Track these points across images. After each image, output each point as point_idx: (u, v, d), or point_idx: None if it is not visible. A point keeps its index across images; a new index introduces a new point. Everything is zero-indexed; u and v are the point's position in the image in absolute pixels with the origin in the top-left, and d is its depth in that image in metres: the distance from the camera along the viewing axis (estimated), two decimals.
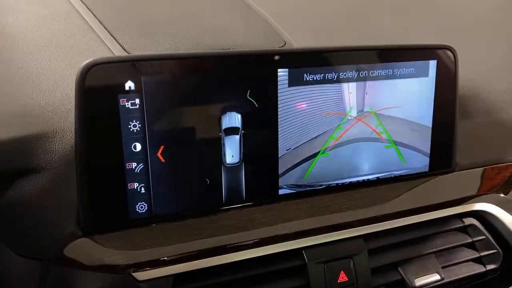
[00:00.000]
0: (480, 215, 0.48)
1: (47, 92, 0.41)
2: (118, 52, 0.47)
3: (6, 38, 0.47)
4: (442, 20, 0.71)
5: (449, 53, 0.46)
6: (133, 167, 0.36)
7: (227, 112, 0.39)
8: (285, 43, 0.54)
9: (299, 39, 0.55)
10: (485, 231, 0.48)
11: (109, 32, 0.50)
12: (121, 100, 0.35)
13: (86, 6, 0.54)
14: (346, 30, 0.63)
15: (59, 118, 0.38)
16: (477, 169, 0.50)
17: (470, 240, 0.48)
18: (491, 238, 0.48)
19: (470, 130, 0.52)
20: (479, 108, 0.54)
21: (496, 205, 0.48)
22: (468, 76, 0.54)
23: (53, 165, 0.36)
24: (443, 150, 0.48)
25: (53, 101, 0.40)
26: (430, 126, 0.47)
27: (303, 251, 0.40)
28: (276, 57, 0.39)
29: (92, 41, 0.48)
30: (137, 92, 0.35)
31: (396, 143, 0.46)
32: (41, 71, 0.43)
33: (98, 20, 0.52)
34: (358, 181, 0.45)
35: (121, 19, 0.53)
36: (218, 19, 0.58)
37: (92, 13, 0.53)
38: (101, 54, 0.46)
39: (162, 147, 0.37)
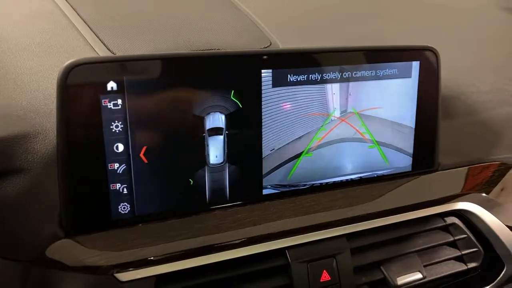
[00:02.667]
0: (462, 214, 0.49)
1: (29, 92, 0.40)
2: (102, 52, 0.47)
3: None
4: (425, 20, 0.72)
5: (432, 54, 0.47)
6: (115, 168, 0.36)
7: (211, 113, 0.39)
8: (270, 43, 0.54)
9: (285, 39, 0.55)
10: (466, 230, 0.49)
11: (93, 32, 0.50)
12: (103, 100, 0.35)
13: (71, 6, 0.54)
14: (332, 31, 0.63)
15: (41, 118, 0.38)
16: (459, 168, 0.51)
17: (451, 239, 0.48)
18: (472, 237, 0.49)
19: (452, 130, 0.53)
20: (462, 108, 0.55)
21: (478, 204, 0.49)
22: (451, 76, 0.55)
23: (34, 166, 0.36)
24: (425, 150, 0.48)
25: (36, 101, 0.39)
26: (413, 126, 0.47)
27: (286, 251, 0.41)
28: (260, 58, 0.39)
29: (76, 41, 0.48)
30: (120, 92, 0.35)
31: (379, 143, 0.46)
32: (23, 70, 0.42)
33: (83, 20, 0.52)
34: (341, 180, 0.45)
35: (105, 19, 0.52)
36: (203, 19, 0.57)
37: (77, 13, 0.53)
38: (85, 54, 0.46)
39: (144, 147, 0.37)
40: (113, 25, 0.52)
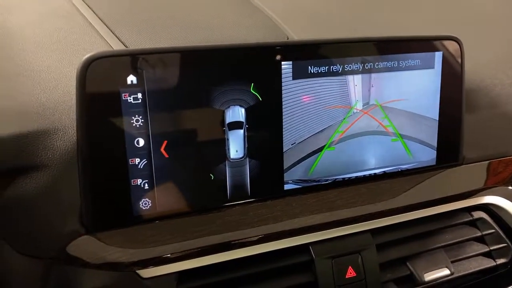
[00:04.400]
0: (489, 209, 0.48)
1: (48, 89, 0.40)
2: (118, 48, 0.46)
3: (6, 36, 0.47)
4: (447, 11, 0.70)
5: (455, 44, 0.46)
6: (136, 163, 0.36)
7: (231, 106, 0.38)
8: (287, 39, 0.53)
9: (302, 34, 0.54)
10: (494, 225, 0.48)
11: (109, 29, 0.50)
12: (123, 94, 0.34)
13: (87, 4, 0.54)
14: (350, 25, 0.62)
15: (60, 114, 0.38)
16: (484, 162, 0.50)
17: (479, 234, 0.47)
18: (500, 232, 0.48)
19: (476, 123, 0.51)
20: (486, 101, 0.54)
21: (505, 198, 0.48)
22: (473, 68, 0.54)
23: (54, 162, 0.36)
24: (450, 143, 0.47)
25: (54, 98, 0.39)
26: (437, 119, 0.46)
27: (310, 247, 0.40)
28: (280, 50, 0.39)
29: (93, 38, 0.48)
30: (139, 86, 0.35)
31: (402, 136, 0.45)
32: (41, 68, 0.42)
33: (98, 17, 0.51)
34: (364, 175, 0.44)
35: (121, 16, 0.52)
36: (219, 15, 0.57)
37: (92, 10, 0.52)
38: (101, 50, 0.46)
39: (165, 142, 0.36)
40: (129, 22, 0.51)
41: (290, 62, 0.39)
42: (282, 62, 0.39)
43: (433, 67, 0.45)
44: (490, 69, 0.58)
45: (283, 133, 0.40)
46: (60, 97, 0.39)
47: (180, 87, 0.36)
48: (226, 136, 0.38)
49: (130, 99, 0.34)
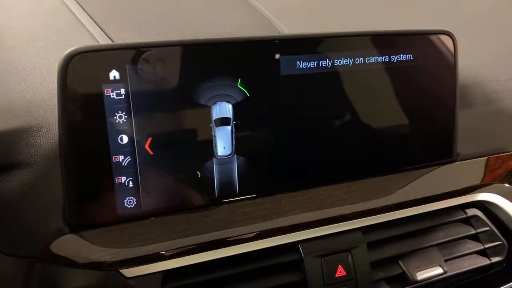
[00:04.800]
0: (484, 206, 0.47)
1: (34, 86, 0.39)
2: None
3: None
4: (441, 6, 0.70)
5: (448, 38, 0.45)
6: (120, 160, 0.35)
7: (218, 102, 0.37)
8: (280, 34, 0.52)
9: (294, 30, 0.54)
10: (489, 222, 0.47)
11: (98, 26, 0.49)
12: (105, 90, 0.34)
13: (77, 1, 0.54)
14: (344, 21, 0.62)
15: (44, 112, 0.37)
16: (479, 158, 0.49)
17: (473, 231, 0.46)
18: (495, 230, 0.47)
19: (471, 119, 0.50)
20: (480, 97, 0.53)
21: (500, 195, 0.47)
22: (468, 64, 0.53)
23: (37, 160, 0.35)
24: (443, 140, 0.46)
25: (39, 96, 0.39)
26: (430, 114, 0.45)
27: (299, 245, 0.39)
28: (267, 44, 0.38)
29: (81, 35, 0.48)
30: (122, 82, 0.34)
31: (395, 132, 0.44)
32: (27, 65, 0.42)
33: (88, 14, 0.51)
34: (356, 171, 0.43)
35: (110, 13, 0.52)
36: (211, 12, 0.57)
37: (82, 8, 0.52)
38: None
39: (150, 139, 0.36)
40: (119, 20, 0.51)
41: (278, 57, 0.38)
42: (270, 57, 0.38)
43: (426, 62, 0.44)
44: (486, 65, 0.57)
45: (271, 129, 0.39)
46: (45, 94, 0.39)
47: (164, 83, 0.35)
48: (213, 133, 0.38)
49: (113, 95, 0.34)
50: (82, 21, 0.50)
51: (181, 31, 0.50)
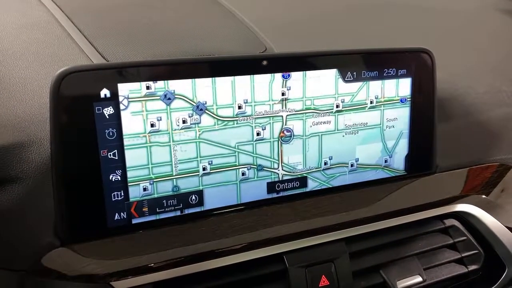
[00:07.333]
0: (461, 216, 0.49)
1: (24, 101, 0.40)
2: (97, 61, 0.47)
3: None
4: (420, 22, 0.72)
5: (427, 56, 0.47)
6: (111, 177, 0.36)
7: None
8: (266, 49, 0.54)
9: (281, 45, 0.55)
10: (466, 232, 0.48)
11: (88, 41, 0.50)
12: (96, 108, 0.35)
13: (66, 15, 0.54)
14: (328, 36, 0.63)
15: (35, 127, 0.38)
16: (457, 170, 0.51)
17: (451, 241, 0.48)
18: (472, 239, 0.48)
19: (450, 132, 0.52)
20: (459, 110, 0.55)
21: (477, 206, 0.49)
22: (447, 78, 0.55)
23: (29, 175, 0.36)
24: (422, 152, 0.48)
25: (30, 111, 0.39)
26: (409, 128, 0.47)
27: (283, 256, 0.40)
28: (263, 62, 0.39)
29: (71, 49, 0.48)
30: (113, 99, 0.35)
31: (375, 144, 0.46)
32: (18, 80, 0.42)
33: (78, 29, 0.52)
34: (339, 184, 0.45)
35: (100, 27, 0.52)
36: (199, 27, 0.58)
37: (72, 22, 0.53)
38: (80, 62, 0.46)
39: None
40: (108, 34, 0.52)
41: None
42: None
43: (405, 78, 0.46)
44: (464, 78, 0.59)
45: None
46: (36, 109, 0.39)
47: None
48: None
49: (104, 113, 0.35)
50: (72, 35, 0.51)
51: (169, 45, 0.51)
